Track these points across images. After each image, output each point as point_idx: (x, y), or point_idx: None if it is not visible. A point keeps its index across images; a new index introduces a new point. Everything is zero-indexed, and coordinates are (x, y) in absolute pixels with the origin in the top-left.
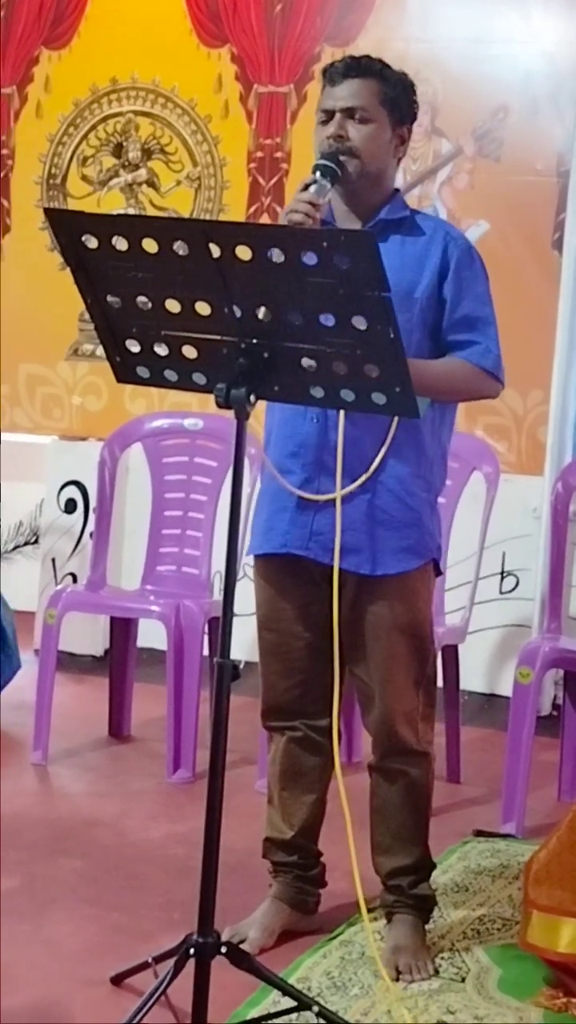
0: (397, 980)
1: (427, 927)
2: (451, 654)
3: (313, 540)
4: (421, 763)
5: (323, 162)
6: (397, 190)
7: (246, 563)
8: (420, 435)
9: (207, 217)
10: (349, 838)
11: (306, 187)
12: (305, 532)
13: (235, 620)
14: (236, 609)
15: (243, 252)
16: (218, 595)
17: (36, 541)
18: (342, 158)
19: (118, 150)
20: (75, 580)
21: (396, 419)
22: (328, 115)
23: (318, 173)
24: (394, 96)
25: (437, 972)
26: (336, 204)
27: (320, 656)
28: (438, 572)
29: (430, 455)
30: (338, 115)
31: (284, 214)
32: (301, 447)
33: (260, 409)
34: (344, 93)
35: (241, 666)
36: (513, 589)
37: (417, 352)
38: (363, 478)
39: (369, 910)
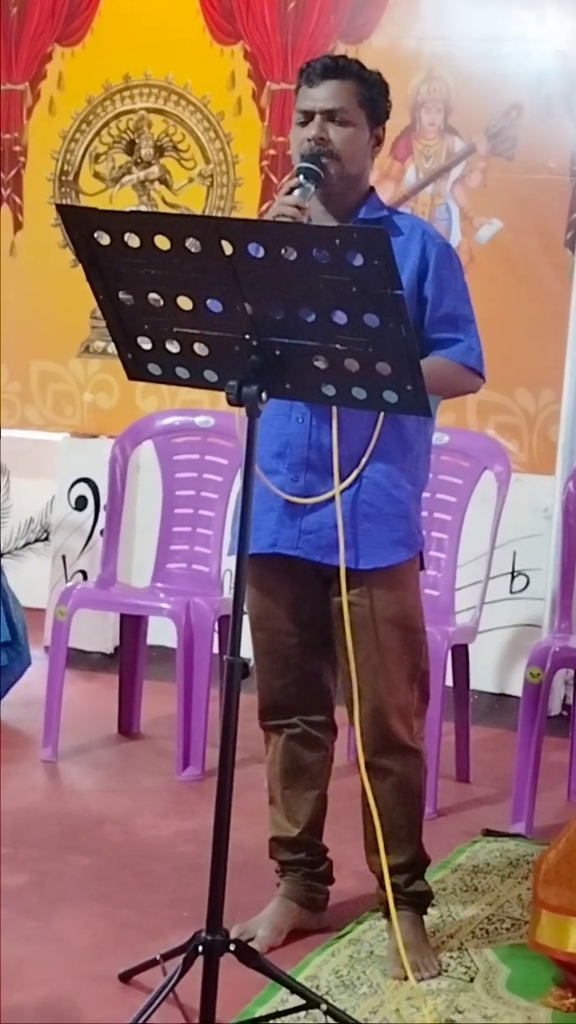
0: (405, 978)
1: (434, 927)
2: (461, 653)
3: (303, 539)
4: (413, 759)
5: (306, 165)
6: (372, 188)
7: None
8: (405, 431)
9: (219, 214)
10: (379, 837)
11: (290, 191)
12: (294, 532)
13: (245, 618)
14: (246, 607)
15: (255, 249)
16: (228, 593)
17: (47, 538)
18: (324, 160)
19: (131, 147)
20: (85, 577)
21: (381, 416)
22: (307, 116)
23: (302, 176)
24: (371, 97)
25: (443, 969)
26: (314, 206)
27: (313, 652)
28: (422, 566)
29: (416, 450)
30: (318, 117)
31: (271, 218)
32: (286, 447)
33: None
34: (324, 95)
35: (251, 664)
36: (524, 589)
37: None
38: (355, 474)
39: (375, 910)
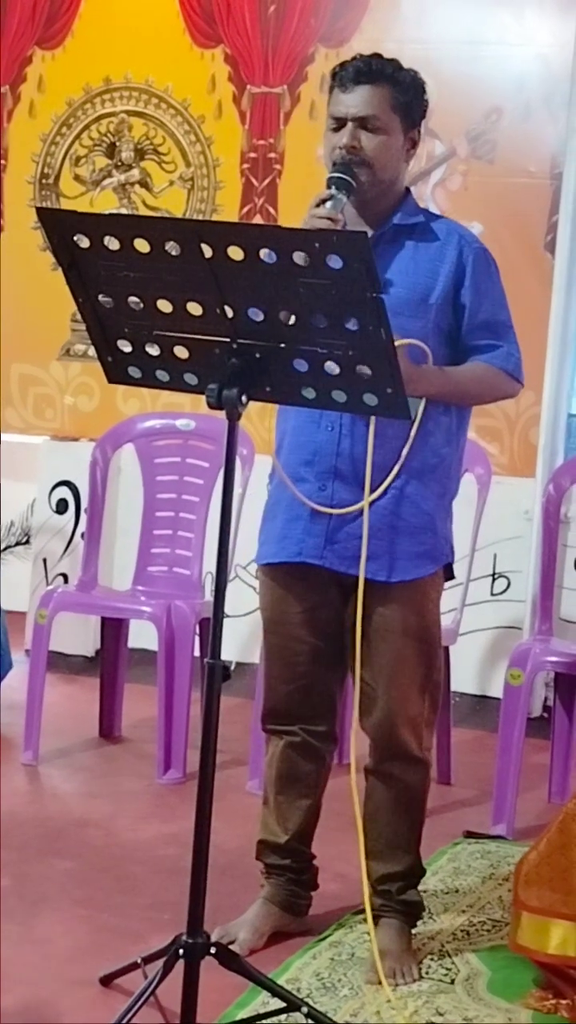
0: (379, 983)
1: (415, 930)
2: (443, 655)
3: (328, 549)
4: (419, 770)
5: (338, 175)
6: (408, 192)
7: (237, 564)
8: (436, 440)
9: (200, 218)
10: (360, 846)
11: (322, 202)
12: (320, 541)
13: (226, 621)
14: (227, 610)
15: (235, 252)
16: (209, 596)
17: (27, 541)
18: (355, 169)
19: (111, 150)
20: (66, 580)
21: (416, 425)
22: (339, 122)
23: (334, 187)
24: (406, 101)
25: (422, 976)
26: (347, 211)
27: (323, 661)
28: (450, 576)
29: (446, 459)
30: (350, 124)
31: None
32: (315, 455)
33: (270, 413)
34: (356, 101)
35: (232, 667)
36: (504, 591)
37: (432, 357)
38: (385, 484)
39: (357, 912)
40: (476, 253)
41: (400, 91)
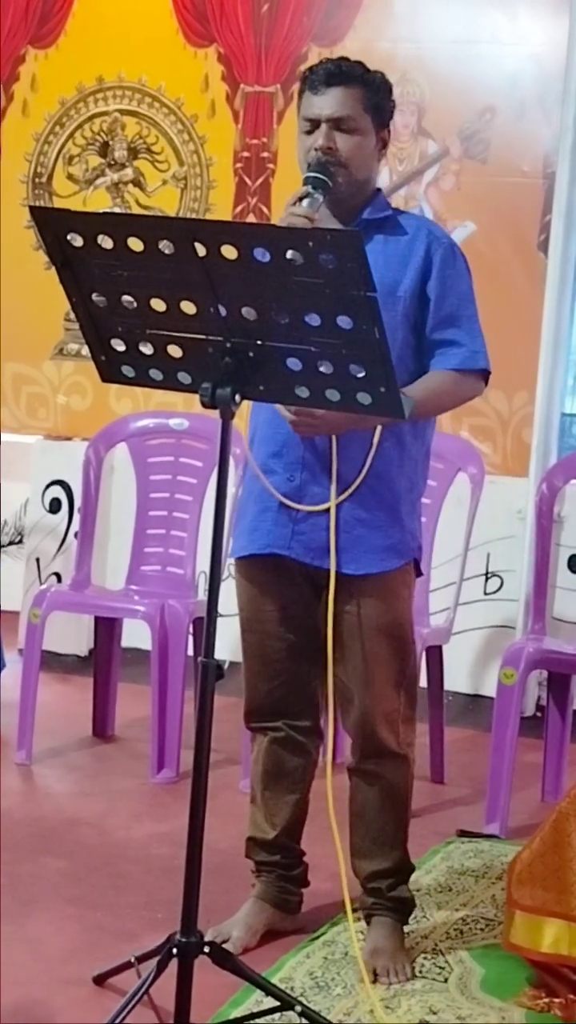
0: (375, 982)
1: (408, 929)
2: (435, 655)
3: (295, 540)
4: (400, 766)
5: (315, 175)
6: (379, 190)
7: (230, 563)
8: (403, 435)
9: (193, 216)
10: (335, 840)
11: (298, 199)
12: (287, 532)
13: (220, 620)
14: (221, 609)
15: (228, 251)
16: (203, 595)
17: (21, 541)
18: (332, 169)
19: (104, 149)
20: (59, 580)
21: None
22: (313, 124)
23: (310, 187)
24: (377, 101)
25: (415, 975)
26: (320, 210)
27: (302, 657)
28: (419, 573)
29: (413, 455)
30: (324, 126)
31: None
32: (284, 447)
33: (245, 409)
34: (329, 102)
35: (225, 666)
36: (497, 590)
37: (402, 349)
38: (356, 483)
39: (352, 910)
40: (444, 248)
41: (371, 92)
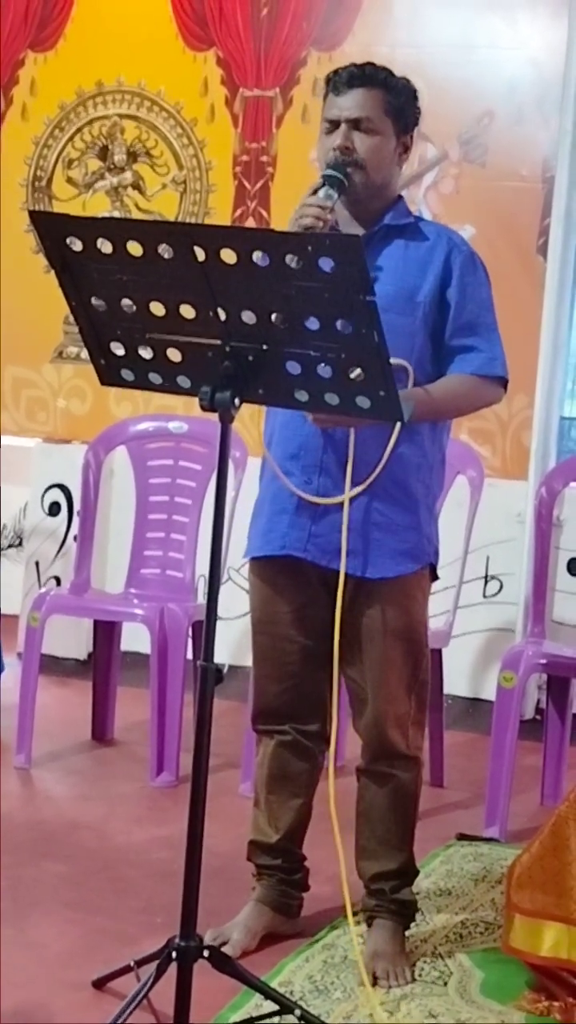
0: (375, 985)
1: (408, 932)
2: (435, 658)
3: (311, 542)
4: (410, 768)
5: (330, 172)
6: (400, 196)
7: (229, 567)
8: (420, 438)
9: (192, 220)
10: (337, 843)
11: (314, 192)
12: (304, 534)
13: (219, 623)
14: (220, 612)
15: (228, 255)
16: (202, 598)
17: (20, 544)
18: (348, 170)
19: (103, 153)
20: (59, 583)
21: (398, 425)
22: (333, 125)
23: (325, 184)
24: (399, 105)
25: (415, 979)
26: (339, 212)
27: (313, 660)
28: (434, 577)
29: (430, 459)
30: (344, 126)
31: (293, 219)
32: (301, 449)
33: (260, 412)
34: (349, 103)
35: (225, 670)
36: (497, 593)
37: (420, 353)
38: (368, 481)
39: (352, 914)
40: (464, 255)
41: (393, 95)
